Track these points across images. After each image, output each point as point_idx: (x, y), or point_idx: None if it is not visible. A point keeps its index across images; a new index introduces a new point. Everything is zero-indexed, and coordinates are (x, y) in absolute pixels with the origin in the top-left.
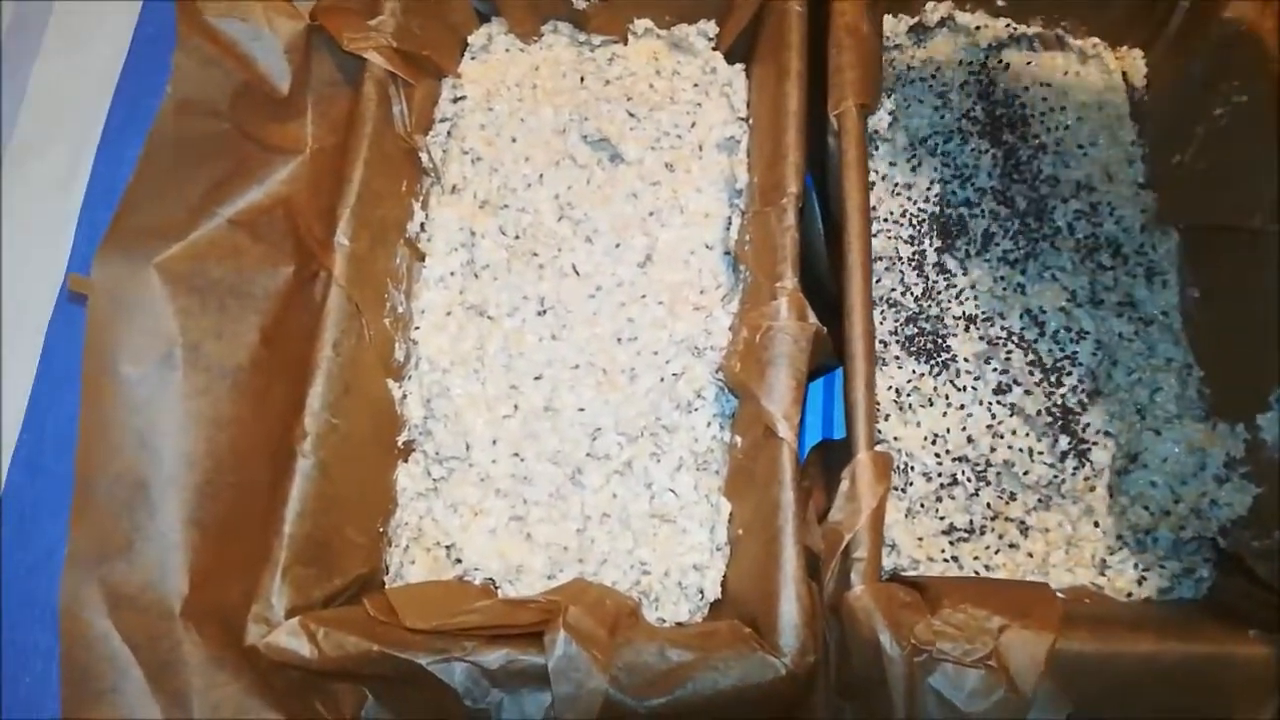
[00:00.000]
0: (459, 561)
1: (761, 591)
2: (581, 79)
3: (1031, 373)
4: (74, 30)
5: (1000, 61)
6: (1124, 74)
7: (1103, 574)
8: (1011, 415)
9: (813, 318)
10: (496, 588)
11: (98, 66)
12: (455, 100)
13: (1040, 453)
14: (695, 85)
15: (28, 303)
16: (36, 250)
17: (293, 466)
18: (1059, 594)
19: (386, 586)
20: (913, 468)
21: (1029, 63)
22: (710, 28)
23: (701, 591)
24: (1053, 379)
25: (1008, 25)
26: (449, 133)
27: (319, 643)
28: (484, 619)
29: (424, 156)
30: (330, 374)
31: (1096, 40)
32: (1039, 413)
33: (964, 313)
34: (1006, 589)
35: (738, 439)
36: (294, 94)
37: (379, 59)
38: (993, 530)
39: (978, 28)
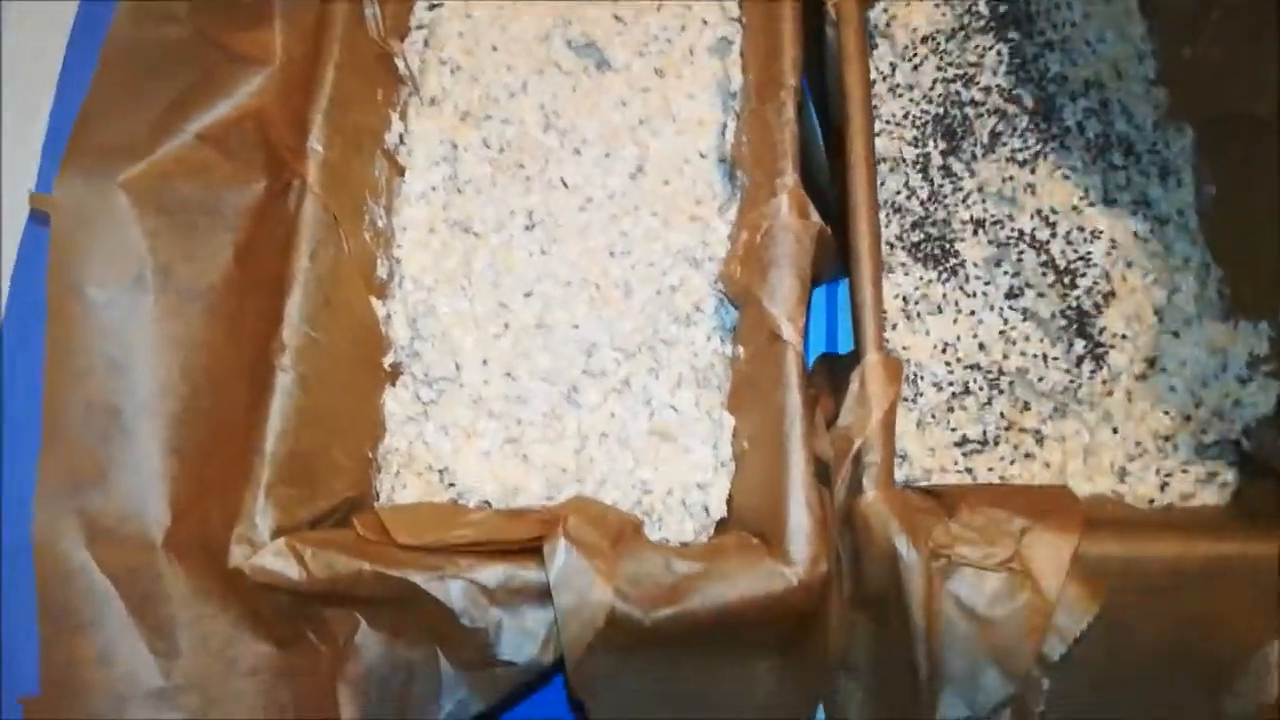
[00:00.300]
0: (452, 485)
1: (769, 502)
2: None
3: (1045, 275)
4: None
5: None
6: None
7: (1123, 481)
8: (1024, 320)
9: (815, 215)
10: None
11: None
12: (431, 7)
13: (1055, 358)
14: None
15: None
16: (4, 185)
17: (272, 381)
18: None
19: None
20: (923, 377)
21: None
22: None
23: (706, 509)
24: (1066, 281)
25: None
26: (426, 42)
27: (307, 563)
28: (480, 533)
29: (400, 63)
30: (307, 285)
31: None
32: (1053, 316)
33: (972, 216)
34: (1026, 493)
35: (740, 350)
36: (259, 1)
37: None
38: (1007, 440)
39: None
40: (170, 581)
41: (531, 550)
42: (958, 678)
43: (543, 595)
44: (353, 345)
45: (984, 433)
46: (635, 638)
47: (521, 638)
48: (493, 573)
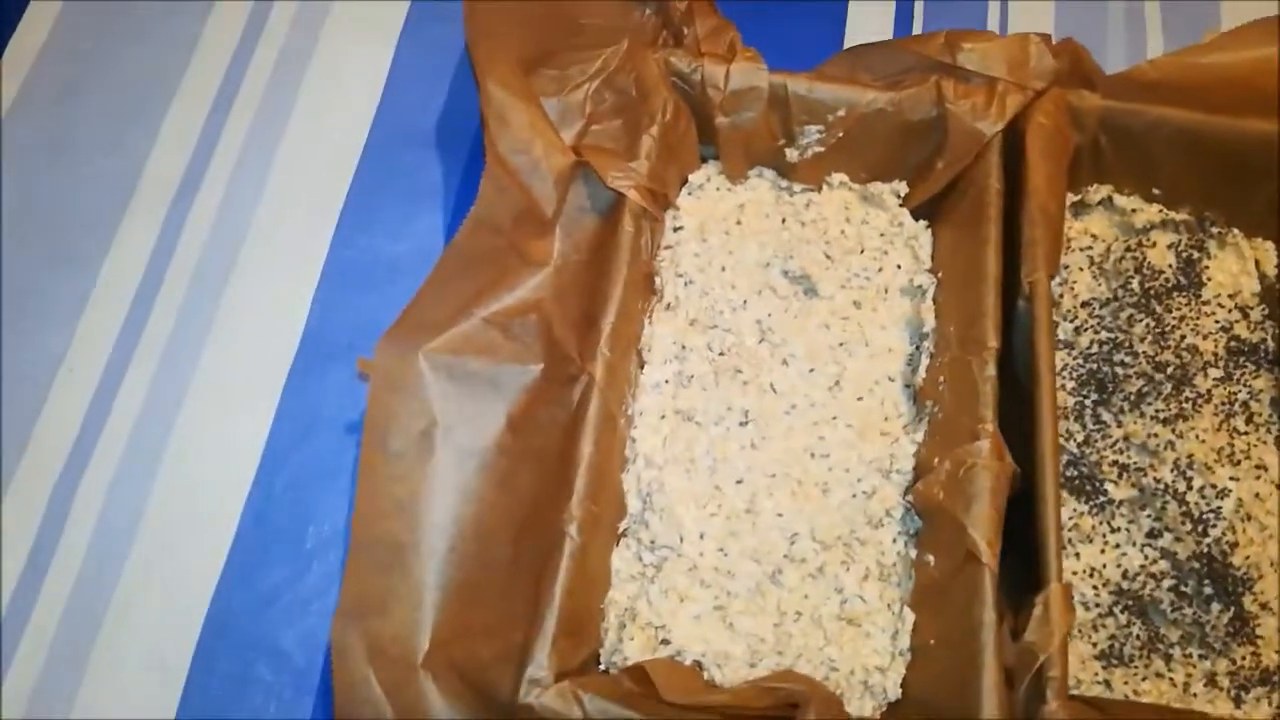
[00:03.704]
0: (666, 642)
1: (961, 699)
2: (783, 220)
3: (1183, 522)
4: (317, 122)
5: (1150, 241)
6: (1257, 261)
7: (1239, 707)
8: (1162, 558)
9: (1009, 458)
10: (703, 670)
11: (335, 157)
12: (675, 230)
13: (1187, 594)
14: (882, 235)
15: (263, 370)
16: (273, 321)
17: (561, 545)
18: None
19: (629, 661)
20: (1072, 597)
21: (1171, 244)
22: (901, 188)
23: (885, 691)
24: (1200, 529)
25: (1160, 210)
26: (668, 257)
27: (584, 706)
28: (734, 699)
29: (658, 280)
30: (592, 466)
31: (1236, 230)
32: (1188, 558)
33: (1118, 461)
34: (1175, 715)
35: (929, 557)
36: (552, 218)
37: (636, 196)
38: (1141, 659)
39: (1133, 210)
40: (430, 699)
41: (768, 718)
42: None
43: None
44: (610, 514)
45: (1121, 650)
46: None
47: None
48: None
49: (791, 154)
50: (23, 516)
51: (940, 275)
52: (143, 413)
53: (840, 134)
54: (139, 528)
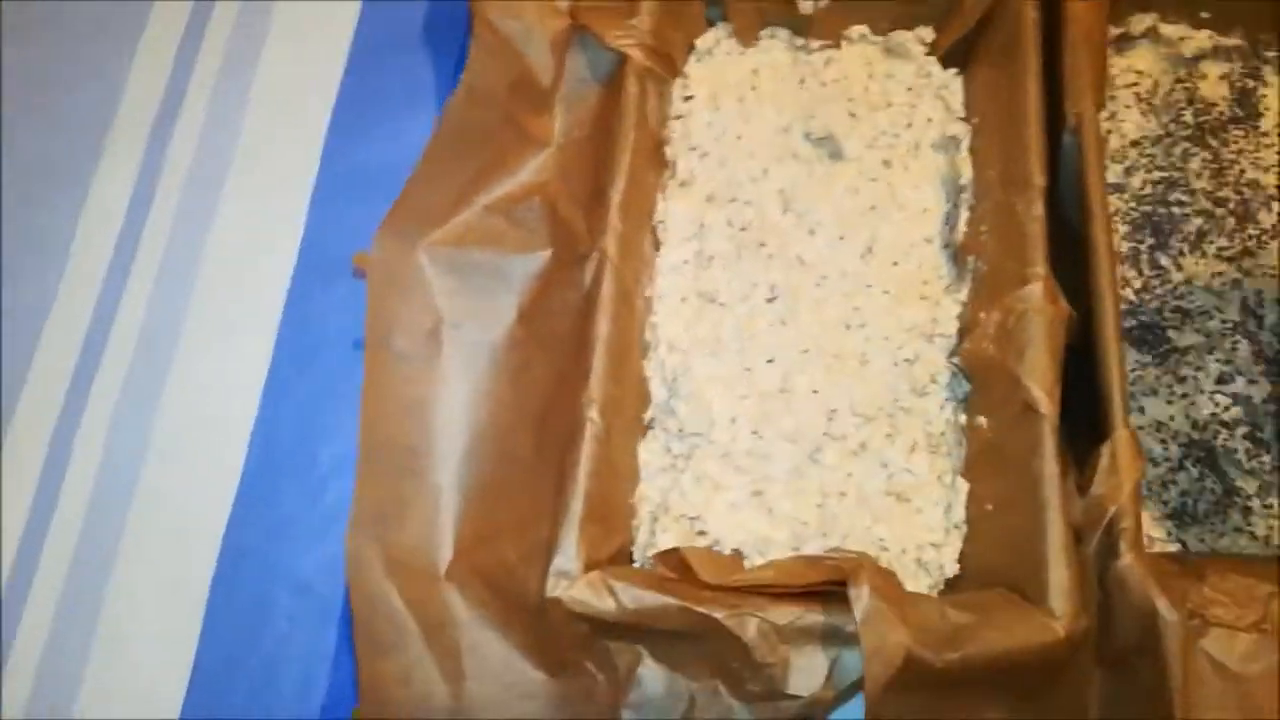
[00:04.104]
0: (703, 533)
1: (1025, 563)
2: (801, 80)
3: (1256, 363)
4: (296, 34)
5: (1200, 72)
6: None
7: None
8: (1234, 404)
9: (1064, 302)
10: (744, 558)
11: (318, 68)
12: (686, 99)
13: (1263, 440)
14: (909, 89)
15: (260, 293)
16: (268, 240)
17: (583, 430)
18: None
19: (661, 549)
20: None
21: (1223, 75)
22: (927, 34)
23: (941, 567)
24: (1275, 369)
25: (1210, 36)
26: (680, 129)
27: (617, 596)
28: (778, 576)
29: (668, 150)
30: (609, 344)
31: None
32: (1263, 401)
33: (1180, 306)
34: (1264, 564)
35: (981, 419)
36: (551, 89)
37: (639, 55)
38: (1218, 514)
39: (1180, 39)
40: (456, 610)
41: (815, 595)
42: None
43: (824, 636)
44: (633, 401)
45: (1195, 507)
46: (920, 679)
47: (806, 674)
48: (784, 613)
49: (805, 6)
50: (26, 452)
51: (976, 122)
52: (139, 343)
53: None
54: (144, 461)
